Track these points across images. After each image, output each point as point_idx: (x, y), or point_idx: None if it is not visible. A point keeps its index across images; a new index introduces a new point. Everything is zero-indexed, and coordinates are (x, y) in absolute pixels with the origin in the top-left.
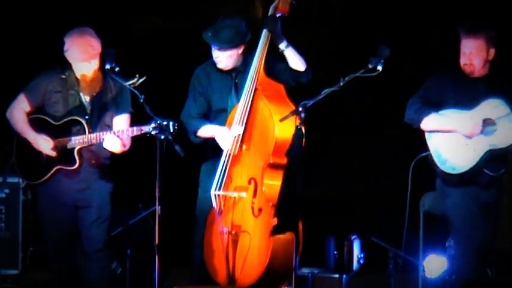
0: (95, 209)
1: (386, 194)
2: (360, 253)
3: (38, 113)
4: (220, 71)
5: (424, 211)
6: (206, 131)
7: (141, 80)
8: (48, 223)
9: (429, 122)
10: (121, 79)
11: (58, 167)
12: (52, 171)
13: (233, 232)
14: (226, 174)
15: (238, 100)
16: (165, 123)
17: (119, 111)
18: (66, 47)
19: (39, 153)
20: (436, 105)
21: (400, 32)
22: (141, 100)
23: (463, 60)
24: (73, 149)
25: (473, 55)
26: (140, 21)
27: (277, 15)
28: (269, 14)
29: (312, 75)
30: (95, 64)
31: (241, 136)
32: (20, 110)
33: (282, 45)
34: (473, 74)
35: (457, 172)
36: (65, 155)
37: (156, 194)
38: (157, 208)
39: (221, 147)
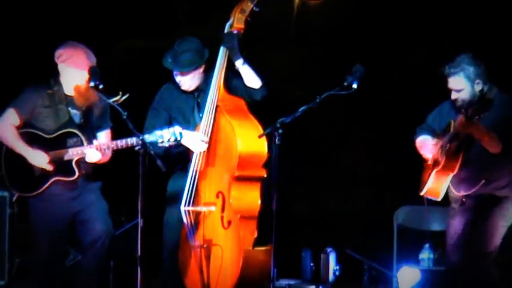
0: (97, 204)
1: (362, 207)
2: (335, 265)
3: (26, 127)
4: (183, 91)
5: (398, 224)
6: None
7: (124, 97)
8: (40, 234)
9: (417, 145)
10: (105, 96)
11: (55, 178)
12: (49, 183)
13: (205, 246)
14: (195, 190)
15: (200, 119)
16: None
17: (103, 127)
18: (65, 56)
19: (32, 166)
20: (433, 131)
21: (377, 51)
22: (125, 117)
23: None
24: (71, 160)
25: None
26: (123, 41)
27: (234, 32)
28: (225, 31)
29: (267, 92)
30: (86, 75)
31: (206, 152)
32: (9, 125)
33: (239, 62)
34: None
35: None
36: (62, 166)
37: (139, 207)
38: (140, 221)
39: (191, 149)
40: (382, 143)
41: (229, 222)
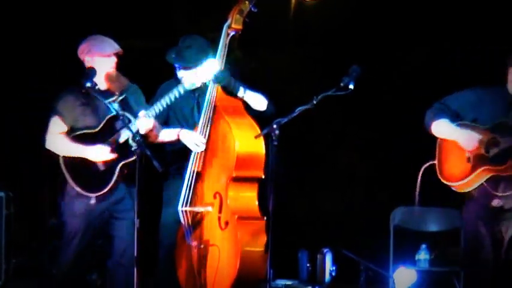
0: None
1: (358, 207)
2: (331, 266)
3: (71, 132)
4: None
5: (395, 225)
6: (166, 135)
7: (120, 98)
8: (76, 236)
9: (439, 127)
10: (101, 97)
11: (122, 163)
12: (118, 170)
13: (202, 246)
14: (192, 190)
15: (199, 119)
16: None
17: (140, 108)
18: (88, 48)
19: (93, 165)
20: (454, 116)
21: (377, 51)
22: (122, 117)
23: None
24: (127, 140)
25: None
26: (122, 41)
27: (232, 34)
28: (222, 36)
29: (275, 107)
30: (114, 61)
31: (203, 153)
32: (58, 135)
33: (240, 93)
34: None
35: None
36: (122, 150)
37: (135, 207)
38: (136, 221)
39: (190, 148)
40: (379, 143)
41: (227, 223)
